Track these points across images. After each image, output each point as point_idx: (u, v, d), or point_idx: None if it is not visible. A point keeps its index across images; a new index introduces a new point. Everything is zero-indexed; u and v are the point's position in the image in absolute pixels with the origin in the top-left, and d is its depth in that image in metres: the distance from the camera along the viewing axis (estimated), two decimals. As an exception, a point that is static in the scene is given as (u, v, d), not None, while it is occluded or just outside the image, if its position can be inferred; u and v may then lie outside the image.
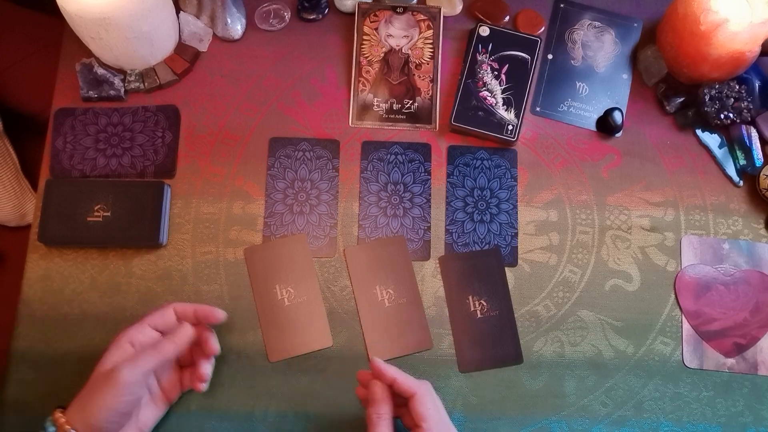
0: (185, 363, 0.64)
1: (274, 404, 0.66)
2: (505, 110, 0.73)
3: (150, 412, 0.60)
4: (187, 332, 0.59)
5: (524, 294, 0.70)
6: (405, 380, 0.56)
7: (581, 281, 0.71)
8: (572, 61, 0.78)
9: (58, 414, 0.55)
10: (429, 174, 0.74)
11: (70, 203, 0.68)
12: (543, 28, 0.79)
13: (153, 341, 0.59)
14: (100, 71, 0.73)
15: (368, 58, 0.76)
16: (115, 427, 0.55)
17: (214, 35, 0.77)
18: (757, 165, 0.74)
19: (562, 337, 0.69)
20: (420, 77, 0.76)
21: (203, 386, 0.61)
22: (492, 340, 0.69)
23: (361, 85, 0.76)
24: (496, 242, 0.72)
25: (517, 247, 0.72)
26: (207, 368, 0.62)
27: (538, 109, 0.77)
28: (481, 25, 0.76)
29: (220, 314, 0.61)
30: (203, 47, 0.77)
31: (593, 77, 0.78)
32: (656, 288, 0.71)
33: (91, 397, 0.55)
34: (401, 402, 0.57)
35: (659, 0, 0.80)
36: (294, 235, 0.71)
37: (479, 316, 0.69)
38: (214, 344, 0.62)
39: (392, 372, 0.56)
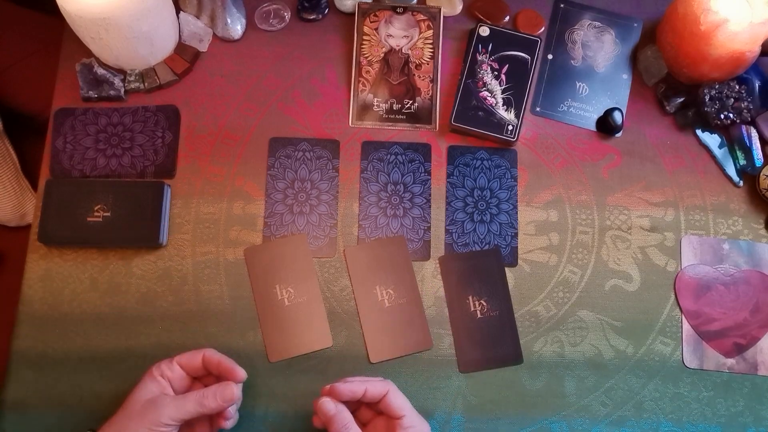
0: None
1: (274, 404, 0.66)
2: (505, 110, 0.73)
3: None
4: (232, 394, 0.58)
5: (524, 294, 0.70)
6: (374, 383, 0.58)
7: (581, 281, 0.71)
8: (572, 61, 0.78)
9: None
10: (429, 174, 0.74)
11: (70, 203, 0.68)
12: (543, 28, 0.79)
13: (181, 379, 0.59)
14: (100, 71, 0.73)
15: (368, 58, 0.76)
16: None
17: (214, 35, 0.77)
18: (757, 165, 0.74)
19: (562, 337, 0.69)
20: (420, 77, 0.76)
21: (228, 423, 0.60)
22: (492, 340, 0.69)
23: (361, 85, 0.76)
24: (496, 242, 0.72)
25: (517, 247, 0.72)
26: (230, 410, 0.60)
27: (538, 109, 0.77)
28: (481, 25, 0.76)
29: (240, 374, 0.60)
30: (203, 47, 0.77)
31: (593, 77, 0.78)
32: (656, 288, 0.71)
33: (126, 424, 0.55)
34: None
35: (659, 0, 0.80)
36: (294, 235, 0.71)
37: (479, 316, 0.69)
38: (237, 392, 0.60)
39: (360, 384, 0.58)
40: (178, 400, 0.57)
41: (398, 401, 0.58)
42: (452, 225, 0.72)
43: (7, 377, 0.66)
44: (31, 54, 0.90)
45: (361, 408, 0.61)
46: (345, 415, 0.56)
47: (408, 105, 0.75)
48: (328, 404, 0.57)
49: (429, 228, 0.72)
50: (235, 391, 0.58)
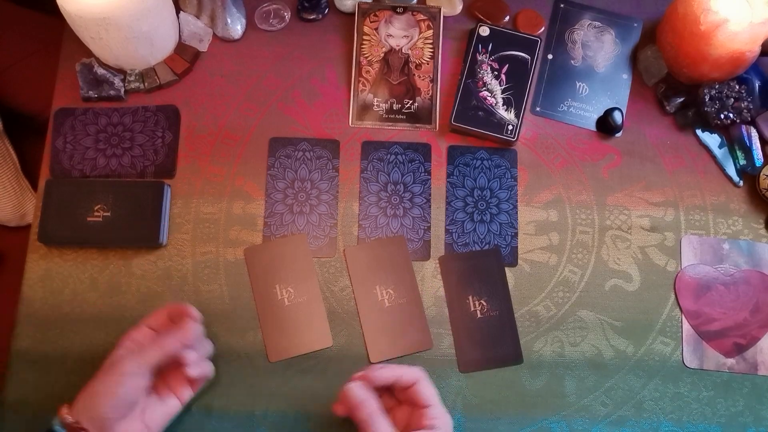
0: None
1: (274, 404, 0.66)
2: (505, 110, 0.73)
3: (157, 409, 0.60)
4: (189, 328, 0.60)
5: (524, 294, 0.70)
6: (405, 371, 0.57)
7: (581, 281, 0.71)
8: (572, 61, 0.78)
9: (64, 411, 0.55)
10: (429, 174, 0.74)
11: (70, 203, 0.68)
12: (543, 28, 0.79)
13: (152, 337, 0.60)
14: (100, 71, 0.73)
15: (368, 58, 0.76)
16: (116, 415, 0.56)
17: (214, 35, 0.77)
18: (757, 165, 0.74)
19: (562, 337, 0.69)
20: (420, 77, 0.76)
21: (192, 370, 0.59)
22: (492, 340, 0.69)
23: (361, 85, 0.76)
24: (496, 242, 0.72)
25: (517, 247, 0.72)
26: (190, 354, 0.59)
27: (538, 109, 0.77)
28: (481, 25, 0.76)
29: (192, 311, 0.61)
30: (203, 47, 0.77)
31: (593, 77, 0.78)
32: (656, 288, 0.71)
33: (93, 387, 0.56)
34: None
35: (659, 0, 0.80)
36: (294, 235, 0.71)
37: (479, 316, 0.69)
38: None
39: (394, 370, 0.57)
40: (139, 349, 0.58)
41: (428, 391, 0.57)
42: (452, 225, 0.72)
43: (7, 377, 0.66)
44: (31, 54, 0.90)
45: (384, 396, 0.60)
46: (372, 403, 0.55)
47: (408, 105, 0.75)
48: (357, 390, 0.55)
49: (429, 228, 0.72)
50: (191, 327, 0.59)
